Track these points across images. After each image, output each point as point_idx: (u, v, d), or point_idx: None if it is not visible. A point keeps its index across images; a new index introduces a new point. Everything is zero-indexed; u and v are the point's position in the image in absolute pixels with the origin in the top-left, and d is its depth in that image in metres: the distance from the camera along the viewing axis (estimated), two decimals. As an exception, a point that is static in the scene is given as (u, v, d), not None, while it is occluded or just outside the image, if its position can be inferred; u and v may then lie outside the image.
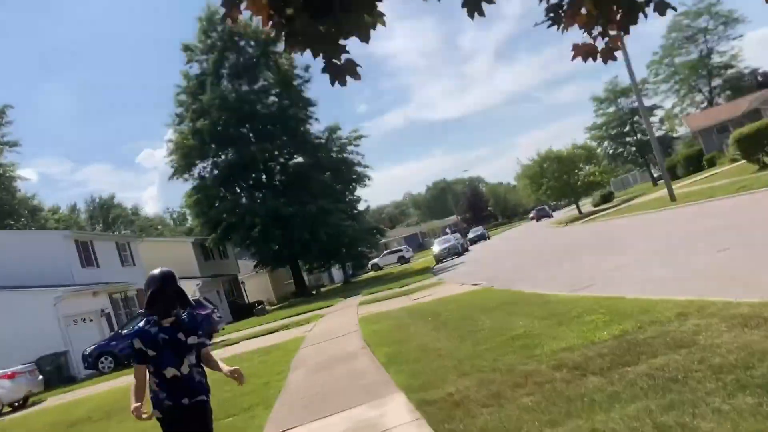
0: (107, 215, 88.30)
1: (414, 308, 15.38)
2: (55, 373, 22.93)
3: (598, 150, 53.42)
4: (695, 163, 45.68)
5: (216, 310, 23.94)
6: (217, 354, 15.33)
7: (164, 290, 3.96)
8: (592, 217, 41.04)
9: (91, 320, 27.26)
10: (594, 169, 46.05)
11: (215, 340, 23.28)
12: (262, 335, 20.83)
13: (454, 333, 9.70)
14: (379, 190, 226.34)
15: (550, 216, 75.61)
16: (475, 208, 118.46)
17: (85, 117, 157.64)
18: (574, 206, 52.66)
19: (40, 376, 19.46)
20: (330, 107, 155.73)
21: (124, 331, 23.13)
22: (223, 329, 24.70)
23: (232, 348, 18.92)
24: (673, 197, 25.95)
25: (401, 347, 9.73)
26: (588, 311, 8.22)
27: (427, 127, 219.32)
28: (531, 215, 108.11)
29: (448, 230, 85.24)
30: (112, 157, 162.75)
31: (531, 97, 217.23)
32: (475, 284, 17.66)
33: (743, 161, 29.82)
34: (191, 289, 38.30)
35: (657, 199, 31.11)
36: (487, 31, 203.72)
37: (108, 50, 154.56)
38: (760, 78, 72.97)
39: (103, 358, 22.40)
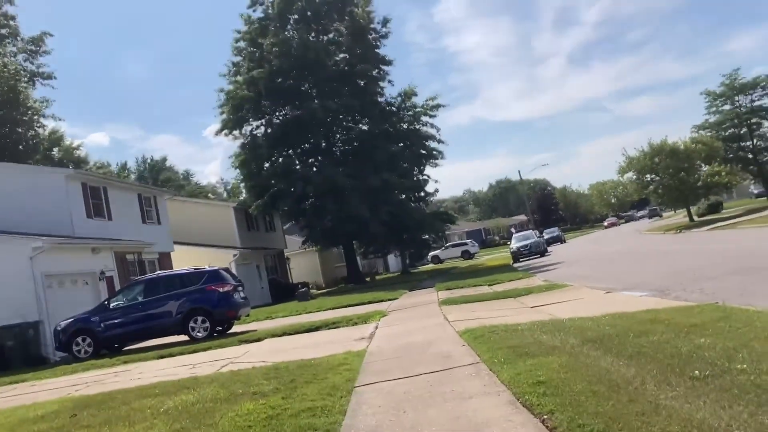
0: (157, 177, 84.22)
1: (573, 328, 8.11)
2: (20, 350, 16.84)
3: (719, 147, 44.03)
4: None
5: (240, 289, 17.48)
6: (218, 354, 8.44)
7: None
8: (719, 225, 32.99)
9: (86, 284, 21.16)
10: (719, 168, 37.85)
11: (234, 329, 16.92)
12: (298, 332, 14.34)
13: None
14: (439, 184, 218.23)
15: (660, 216, 67.95)
16: (544, 209, 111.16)
17: (157, 87, 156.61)
18: (675, 212, 44.52)
19: (-24, 357, 13.40)
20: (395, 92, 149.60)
21: (112, 303, 16.94)
22: (248, 316, 18.26)
23: (250, 348, 12.41)
24: None
25: None
26: None
27: (491, 127, 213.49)
28: (606, 223, 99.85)
29: (513, 229, 79.72)
30: (179, 128, 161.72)
31: (601, 106, 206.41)
32: (644, 295, 10.71)
33: None
34: (227, 260, 32.51)
35: None
36: (563, 35, 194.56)
37: (181, 21, 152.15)
38: None
39: (80, 339, 16.08)
